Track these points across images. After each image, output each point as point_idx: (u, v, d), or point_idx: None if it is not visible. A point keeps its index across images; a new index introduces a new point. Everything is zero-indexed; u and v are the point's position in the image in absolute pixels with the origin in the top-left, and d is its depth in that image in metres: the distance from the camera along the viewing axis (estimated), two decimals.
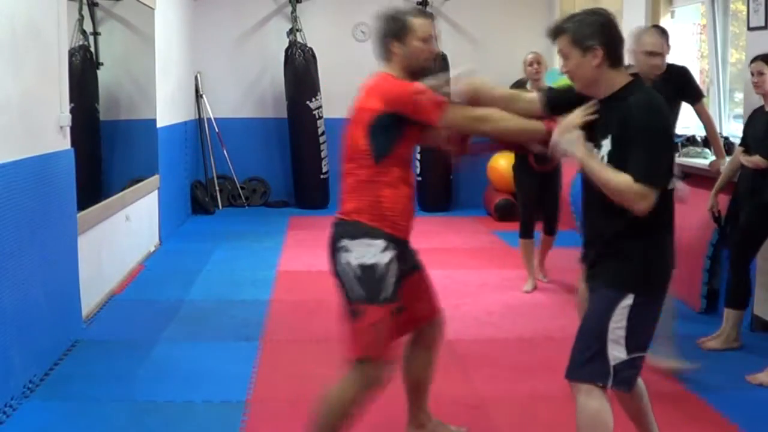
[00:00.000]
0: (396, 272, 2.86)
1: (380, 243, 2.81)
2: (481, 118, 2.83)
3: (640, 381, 2.77)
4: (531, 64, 5.64)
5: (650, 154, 2.46)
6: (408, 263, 2.98)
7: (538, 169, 5.52)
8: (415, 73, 2.90)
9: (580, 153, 2.55)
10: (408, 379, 3.20)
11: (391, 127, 2.80)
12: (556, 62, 6.80)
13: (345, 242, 2.84)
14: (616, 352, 2.53)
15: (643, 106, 2.49)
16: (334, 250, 2.87)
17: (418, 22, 2.89)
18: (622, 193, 2.47)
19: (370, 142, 2.81)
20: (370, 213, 2.83)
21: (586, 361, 2.57)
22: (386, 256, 2.82)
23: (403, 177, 2.87)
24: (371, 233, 2.82)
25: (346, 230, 2.85)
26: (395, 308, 2.89)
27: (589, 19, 2.57)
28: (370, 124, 2.80)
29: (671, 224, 2.61)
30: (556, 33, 2.62)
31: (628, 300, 2.52)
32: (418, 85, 2.84)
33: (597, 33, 2.54)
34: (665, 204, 2.54)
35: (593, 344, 2.55)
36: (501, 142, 3.10)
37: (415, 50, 2.88)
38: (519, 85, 5.74)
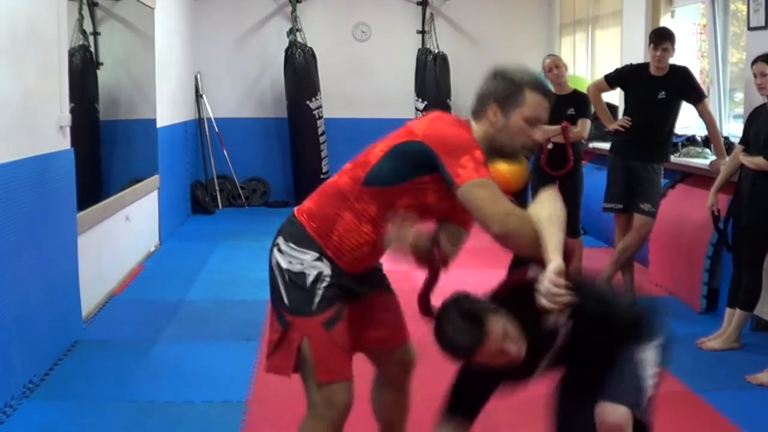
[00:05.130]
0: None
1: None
2: (507, 213, 2.21)
3: None
4: (550, 70, 5.49)
5: None
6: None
7: (552, 173, 5.48)
8: (498, 152, 2.38)
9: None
10: (378, 420, 2.82)
11: (412, 159, 2.31)
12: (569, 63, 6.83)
13: None
14: None
15: None
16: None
17: (532, 98, 2.32)
18: None
19: (378, 161, 2.36)
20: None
21: None
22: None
23: (378, 215, 2.39)
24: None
25: None
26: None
27: None
28: (394, 145, 2.36)
29: None
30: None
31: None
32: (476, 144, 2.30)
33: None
34: None
35: None
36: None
37: (514, 128, 2.32)
38: None
